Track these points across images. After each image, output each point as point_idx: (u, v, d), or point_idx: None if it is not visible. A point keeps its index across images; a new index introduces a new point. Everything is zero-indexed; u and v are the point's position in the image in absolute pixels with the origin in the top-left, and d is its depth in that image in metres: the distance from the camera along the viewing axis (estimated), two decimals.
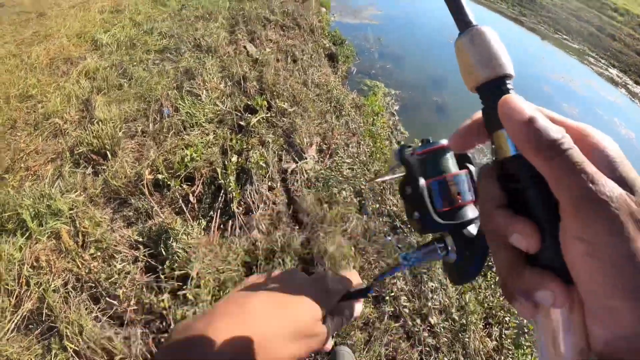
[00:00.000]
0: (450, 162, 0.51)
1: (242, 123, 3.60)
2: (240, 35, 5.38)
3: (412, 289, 2.69)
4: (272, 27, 5.81)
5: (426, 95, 5.62)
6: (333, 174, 3.21)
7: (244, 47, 5.12)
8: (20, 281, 2.49)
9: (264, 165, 3.10)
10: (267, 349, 0.47)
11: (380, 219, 3.06)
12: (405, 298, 2.63)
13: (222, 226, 2.84)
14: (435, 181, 0.49)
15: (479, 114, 0.39)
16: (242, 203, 2.91)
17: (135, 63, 4.60)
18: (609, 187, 0.29)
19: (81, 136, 3.41)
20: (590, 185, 0.29)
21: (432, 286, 2.71)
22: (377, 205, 3.14)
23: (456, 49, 0.40)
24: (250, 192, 2.93)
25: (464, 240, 0.48)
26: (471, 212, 0.49)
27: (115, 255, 2.65)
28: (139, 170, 3.08)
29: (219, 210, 2.87)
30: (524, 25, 10.91)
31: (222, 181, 2.95)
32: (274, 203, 2.97)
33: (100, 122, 3.54)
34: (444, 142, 0.50)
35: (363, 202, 3.10)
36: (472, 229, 0.48)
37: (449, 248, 0.48)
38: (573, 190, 0.29)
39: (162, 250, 2.60)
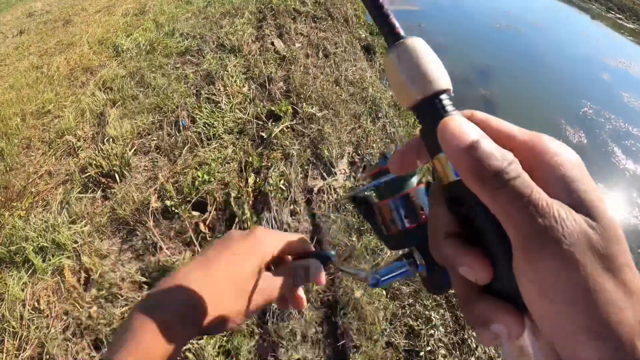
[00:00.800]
0: (411, 177, 0.49)
1: (263, 134, 3.18)
2: (268, 30, 4.95)
3: (453, 337, 2.20)
4: (303, 19, 5.34)
5: (473, 89, 5.04)
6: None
7: (271, 43, 4.69)
8: (23, 323, 2.32)
9: (284, 187, 2.66)
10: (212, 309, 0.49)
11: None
12: (445, 352, 2.13)
13: None
14: (397, 199, 0.47)
15: (415, 137, 0.36)
16: None
17: (153, 69, 4.28)
18: (562, 220, 0.25)
19: (91, 157, 3.11)
20: (539, 220, 0.25)
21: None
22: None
23: (385, 66, 0.36)
24: (268, 220, 2.51)
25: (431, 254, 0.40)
26: None
27: (118, 296, 2.34)
28: (146, 197, 2.73)
29: None
30: (574, 4, 9.86)
31: (236, 210, 2.54)
32: (296, 231, 2.53)
33: (111, 140, 3.24)
34: None
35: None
36: None
37: (418, 262, 0.46)
38: (520, 227, 0.26)
39: None
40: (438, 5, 8.03)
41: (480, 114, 0.33)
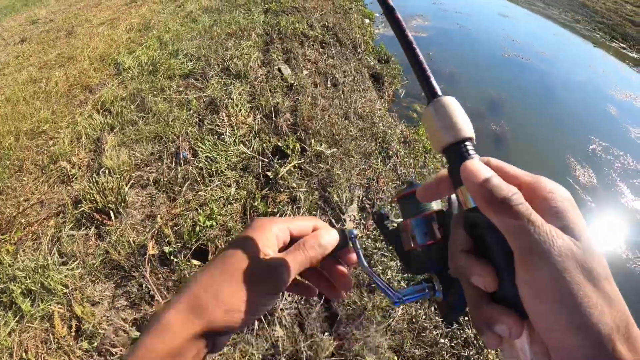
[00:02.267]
0: (433, 203, 0.54)
1: (269, 173, 3.01)
2: (275, 54, 4.81)
3: None
4: (311, 44, 5.21)
5: (484, 124, 4.91)
6: (377, 244, 2.58)
7: (278, 69, 4.55)
8: None
9: None
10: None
11: (432, 307, 2.41)
12: None
13: None
14: (419, 218, 0.52)
15: (442, 172, 0.44)
16: None
17: (155, 92, 4.12)
18: (554, 237, 0.33)
19: (85, 190, 2.93)
20: (537, 237, 0.33)
21: None
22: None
23: (423, 117, 0.44)
24: None
25: (448, 280, 0.50)
26: None
27: (111, 352, 2.16)
28: (143, 241, 2.56)
29: None
30: (578, 33, 9.81)
31: None
32: None
33: (107, 172, 3.08)
34: None
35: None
36: None
37: (436, 287, 0.51)
38: (521, 241, 0.34)
39: None
40: (446, 33, 7.93)
41: (495, 161, 0.41)
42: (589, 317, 0.31)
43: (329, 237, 0.54)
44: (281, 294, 0.66)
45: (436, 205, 0.54)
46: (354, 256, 0.57)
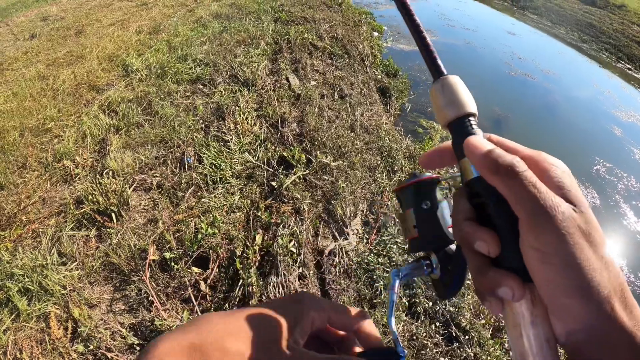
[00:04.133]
0: (438, 190, 0.54)
1: (273, 183, 3.00)
2: (283, 64, 4.82)
3: None
4: (319, 55, 5.22)
5: None
6: (380, 260, 2.56)
7: (286, 78, 4.55)
8: None
9: (294, 249, 2.48)
10: None
11: (433, 325, 2.39)
12: None
13: None
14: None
15: (446, 143, 0.46)
16: (263, 299, 2.30)
17: (162, 95, 4.11)
18: (558, 203, 0.34)
19: (87, 190, 2.92)
20: (542, 202, 0.34)
21: None
22: (430, 304, 2.47)
23: (431, 94, 0.46)
24: (275, 285, 2.31)
25: (446, 257, 0.51)
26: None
27: (107, 356, 2.14)
28: (144, 245, 2.54)
29: (235, 307, 2.27)
30: (585, 52, 9.86)
31: (241, 272, 2.34)
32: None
33: (111, 173, 3.06)
34: (429, 174, 0.53)
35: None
36: (453, 246, 0.51)
37: (434, 265, 0.51)
38: (528, 206, 0.34)
39: None
40: (453, 49, 7.98)
41: (495, 137, 0.43)
42: (591, 279, 0.33)
43: None
44: None
45: (439, 195, 0.54)
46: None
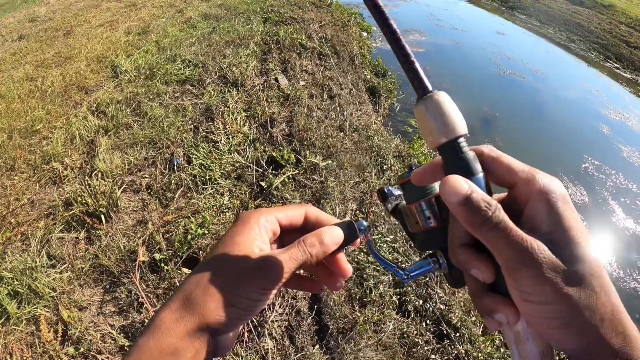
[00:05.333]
0: (436, 185, 0.53)
1: (263, 183, 3.01)
2: (272, 64, 4.83)
3: None
4: (309, 55, 5.23)
5: (477, 139, 4.95)
6: (369, 258, 2.58)
7: (275, 79, 4.56)
8: None
9: None
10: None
11: (424, 323, 2.42)
12: None
13: None
14: (423, 202, 0.52)
15: (437, 159, 0.44)
16: None
17: (151, 96, 4.11)
18: (534, 248, 0.35)
19: (77, 192, 2.91)
20: (517, 249, 0.35)
21: None
22: (421, 302, 2.49)
23: (416, 114, 0.44)
24: None
25: None
26: None
27: (97, 359, 2.14)
28: (133, 247, 2.54)
29: None
30: (572, 52, 9.96)
31: None
32: (294, 298, 2.36)
33: (100, 175, 3.06)
34: None
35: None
36: None
37: (441, 262, 0.52)
38: (504, 255, 0.36)
39: None
40: (442, 49, 8.02)
41: (488, 152, 0.42)
42: (575, 313, 0.34)
43: (332, 237, 0.51)
44: (278, 292, 0.66)
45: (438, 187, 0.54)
46: (357, 241, 0.54)
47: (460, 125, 0.41)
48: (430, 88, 0.42)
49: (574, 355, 0.36)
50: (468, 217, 0.38)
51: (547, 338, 0.38)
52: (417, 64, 0.42)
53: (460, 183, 0.39)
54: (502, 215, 0.37)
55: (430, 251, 0.55)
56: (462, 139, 0.41)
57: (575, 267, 0.35)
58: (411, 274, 0.54)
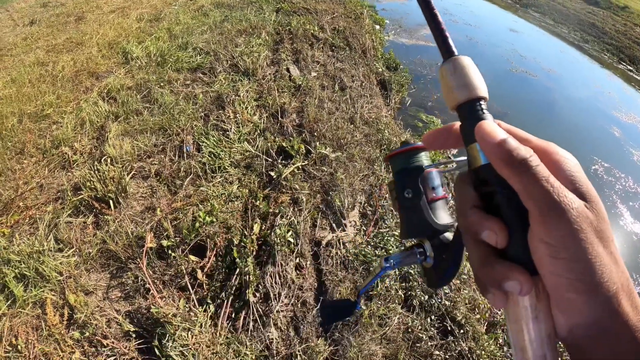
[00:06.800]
0: (424, 159, 0.54)
1: (272, 173, 2.99)
2: (284, 54, 4.80)
3: None
4: (321, 46, 5.19)
5: None
6: (377, 252, 2.56)
7: (287, 69, 4.53)
8: None
9: (291, 239, 2.48)
10: None
11: (428, 318, 2.40)
12: None
13: (233, 315, 2.24)
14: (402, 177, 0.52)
15: (452, 124, 0.45)
16: (260, 288, 2.30)
17: (162, 83, 4.09)
18: (571, 199, 0.34)
19: (85, 177, 2.90)
20: (555, 196, 0.34)
21: None
22: (426, 297, 2.47)
23: (440, 74, 0.44)
24: (271, 274, 2.31)
25: (441, 245, 0.51)
26: (447, 217, 0.52)
27: (102, 343, 2.12)
28: (141, 233, 2.53)
29: (231, 296, 2.27)
30: (586, 52, 9.83)
31: (238, 261, 2.34)
32: (300, 288, 2.35)
33: (109, 160, 3.05)
34: (420, 143, 0.53)
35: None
36: (449, 235, 0.51)
37: (427, 253, 0.51)
38: (540, 201, 0.34)
39: (156, 349, 2.04)
40: (456, 44, 7.87)
41: (505, 125, 0.42)
42: (600, 275, 0.33)
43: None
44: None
45: (426, 160, 0.54)
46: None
47: (482, 87, 0.41)
48: (455, 51, 0.43)
49: (582, 330, 0.34)
50: (506, 156, 0.36)
51: (562, 307, 0.35)
52: (444, 26, 0.44)
53: (497, 127, 0.38)
54: (539, 160, 0.36)
55: (415, 241, 0.54)
56: (482, 102, 0.41)
57: (603, 227, 0.35)
58: (394, 262, 0.55)
